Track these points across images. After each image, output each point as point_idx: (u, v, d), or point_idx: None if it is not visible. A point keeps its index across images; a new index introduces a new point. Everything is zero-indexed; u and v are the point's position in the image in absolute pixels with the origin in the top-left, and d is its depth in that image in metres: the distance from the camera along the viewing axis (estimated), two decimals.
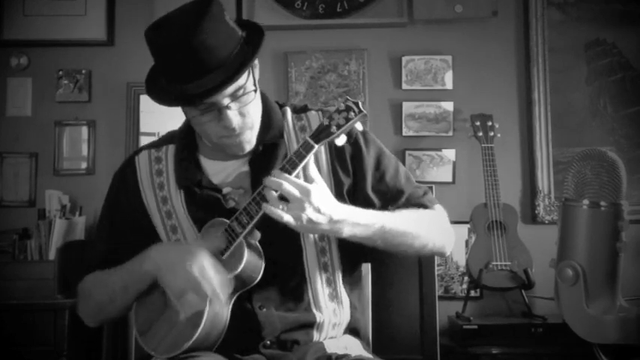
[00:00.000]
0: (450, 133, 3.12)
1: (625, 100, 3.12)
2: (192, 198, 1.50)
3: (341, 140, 1.34)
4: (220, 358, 1.38)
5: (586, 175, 1.02)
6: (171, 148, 1.58)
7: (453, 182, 3.10)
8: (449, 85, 3.14)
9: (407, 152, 3.10)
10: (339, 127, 1.33)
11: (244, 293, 1.41)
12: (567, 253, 1.03)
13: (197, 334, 1.35)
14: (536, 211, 3.06)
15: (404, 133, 3.12)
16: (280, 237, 1.40)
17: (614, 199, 1.01)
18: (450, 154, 3.11)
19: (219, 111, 1.38)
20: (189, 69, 1.35)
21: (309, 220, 1.31)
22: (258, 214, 1.34)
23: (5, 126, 3.18)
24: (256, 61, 1.45)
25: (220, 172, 1.52)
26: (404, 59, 3.15)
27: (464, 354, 2.61)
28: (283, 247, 1.44)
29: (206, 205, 1.48)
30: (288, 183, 1.30)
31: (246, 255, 1.36)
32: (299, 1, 3.12)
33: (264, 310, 1.43)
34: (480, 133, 2.91)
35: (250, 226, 1.36)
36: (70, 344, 2.64)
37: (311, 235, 1.47)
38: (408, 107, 3.13)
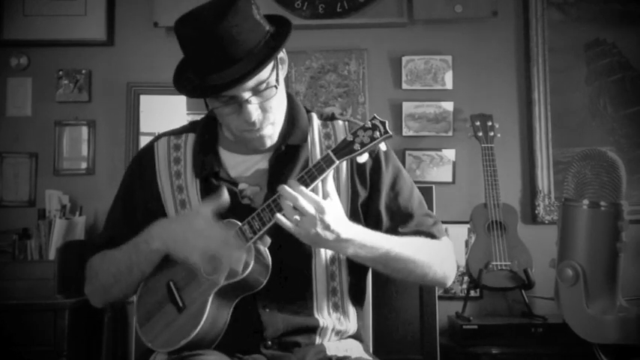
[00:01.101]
0: (450, 133, 3.12)
1: (625, 100, 3.12)
2: (208, 189, 1.48)
3: (363, 158, 1.34)
4: (222, 356, 1.37)
5: (586, 175, 1.02)
6: (191, 136, 1.57)
7: (453, 182, 3.10)
8: (449, 85, 3.14)
9: (407, 152, 3.10)
10: (362, 145, 1.32)
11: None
12: (567, 253, 1.03)
13: (196, 332, 1.35)
14: (536, 211, 3.06)
15: (404, 133, 3.12)
16: (291, 241, 1.38)
17: (614, 199, 1.01)
18: (450, 154, 3.11)
19: (240, 104, 1.38)
20: (211, 60, 1.35)
21: (317, 235, 1.30)
22: (271, 222, 1.33)
23: (5, 126, 3.18)
24: (284, 57, 1.46)
25: (238, 165, 1.52)
26: (404, 59, 3.15)
27: (464, 354, 2.61)
28: (293, 251, 1.43)
29: None
30: (304, 198, 1.29)
31: (254, 260, 1.36)
32: (299, 1, 3.12)
33: (268, 310, 1.43)
34: (480, 133, 2.91)
35: (261, 233, 1.35)
36: (70, 344, 2.64)
37: None
38: (408, 107, 3.13)
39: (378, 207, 1.51)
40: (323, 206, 1.29)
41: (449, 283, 1.55)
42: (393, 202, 1.52)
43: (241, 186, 1.49)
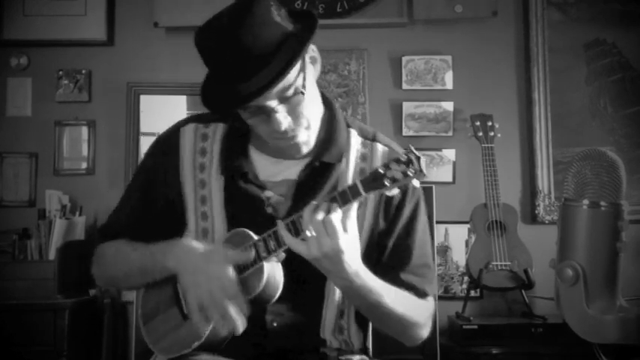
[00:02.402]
0: (450, 133, 3.12)
1: (625, 100, 3.12)
2: (233, 188, 1.41)
3: (392, 192, 1.25)
4: (219, 358, 1.35)
5: (586, 175, 1.02)
6: (221, 127, 1.47)
7: (453, 182, 3.10)
8: (449, 85, 3.14)
9: None
10: (393, 181, 1.22)
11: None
12: (567, 253, 1.03)
13: (199, 344, 1.33)
14: (536, 211, 3.06)
15: (404, 133, 3.12)
16: (306, 260, 1.32)
17: (614, 199, 1.01)
18: (450, 154, 3.11)
19: (268, 114, 1.31)
20: (231, 71, 1.29)
21: (318, 261, 1.25)
22: (277, 250, 1.28)
23: (5, 126, 3.18)
24: (316, 56, 1.39)
25: (267, 168, 1.44)
26: (404, 59, 3.15)
27: (464, 354, 2.61)
28: (308, 269, 1.33)
29: (246, 201, 1.41)
30: (324, 227, 1.22)
31: (266, 278, 1.30)
32: (299, 1, 3.12)
33: (275, 325, 1.39)
34: (480, 133, 2.91)
35: (276, 254, 1.29)
36: (70, 344, 2.64)
37: None
38: (408, 107, 3.13)
39: (387, 241, 1.45)
40: (337, 241, 1.22)
41: (417, 343, 1.50)
42: (402, 241, 1.46)
43: (267, 193, 1.42)
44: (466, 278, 2.94)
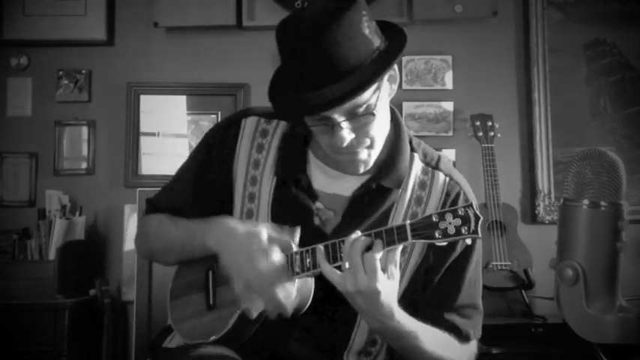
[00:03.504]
0: (450, 133, 3.12)
1: (625, 100, 3.12)
2: (283, 192, 1.37)
3: (440, 243, 1.17)
4: (227, 351, 1.30)
5: (586, 175, 1.02)
6: (282, 126, 1.42)
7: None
8: (449, 85, 3.14)
9: None
10: (445, 235, 1.14)
11: None
12: (567, 253, 1.03)
13: (216, 338, 1.31)
14: (536, 211, 3.06)
15: None
16: None
17: (614, 199, 1.01)
18: (450, 154, 3.11)
19: (332, 127, 1.25)
20: (308, 76, 1.22)
21: (351, 297, 1.19)
22: (312, 270, 1.24)
23: (5, 126, 3.18)
24: (395, 75, 1.33)
25: (322, 177, 1.39)
26: (404, 59, 3.15)
27: None
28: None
29: (294, 208, 1.36)
30: (363, 263, 1.16)
31: (296, 287, 1.27)
32: (299, 1, 3.12)
33: (297, 339, 1.35)
34: (480, 133, 2.91)
35: (309, 273, 1.25)
36: (70, 344, 2.64)
37: None
38: (408, 107, 3.13)
39: (433, 277, 1.38)
40: (376, 283, 1.16)
41: None
42: (450, 278, 1.38)
43: (317, 204, 1.37)
44: None
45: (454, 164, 3.10)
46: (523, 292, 2.80)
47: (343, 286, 1.18)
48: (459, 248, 1.38)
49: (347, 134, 1.25)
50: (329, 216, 1.37)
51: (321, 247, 1.22)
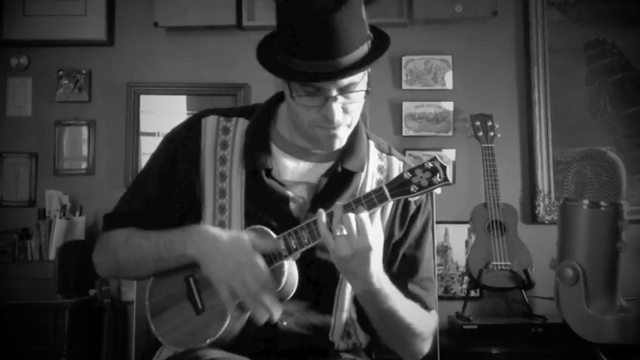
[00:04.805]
0: (450, 133, 3.12)
1: (625, 100, 3.12)
2: (254, 184, 1.41)
3: (415, 198, 1.30)
4: (224, 353, 1.32)
5: (586, 175, 1.02)
6: (242, 122, 1.48)
7: (453, 182, 3.09)
8: (449, 85, 3.14)
9: (407, 152, 3.09)
10: (420, 187, 1.26)
11: None
12: (567, 253, 1.03)
13: (213, 340, 1.31)
14: (536, 211, 3.06)
15: (404, 133, 3.12)
16: (322, 261, 1.35)
17: (614, 199, 1.01)
18: (450, 154, 3.11)
19: (326, 99, 1.32)
20: (319, 48, 1.29)
21: (345, 261, 1.26)
22: (310, 244, 1.29)
23: (5, 126, 3.18)
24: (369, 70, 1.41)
25: (287, 169, 1.45)
26: (404, 59, 3.15)
27: (464, 354, 2.61)
28: (322, 271, 1.38)
29: (268, 197, 1.41)
30: (356, 224, 1.24)
31: (287, 275, 1.31)
32: None
33: (285, 323, 1.39)
34: (480, 133, 2.91)
35: (297, 253, 1.30)
36: (70, 344, 2.65)
37: None
38: (408, 107, 3.13)
39: (398, 251, 1.48)
40: (369, 238, 1.24)
41: (420, 357, 1.51)
42: (412, 252, 1.49)
43: (289, 192, 1.42)
44: (466, 278, 2.94)
45: (454, 164, 3.10)
46: (523, 292, 2.80)
47: (339, 251, 1.24)
48: (418, 224, 1.49)
49: (337, 108, 1.33)
50: (299, 203, 1.42)
51: (323, 212, 1.27)
